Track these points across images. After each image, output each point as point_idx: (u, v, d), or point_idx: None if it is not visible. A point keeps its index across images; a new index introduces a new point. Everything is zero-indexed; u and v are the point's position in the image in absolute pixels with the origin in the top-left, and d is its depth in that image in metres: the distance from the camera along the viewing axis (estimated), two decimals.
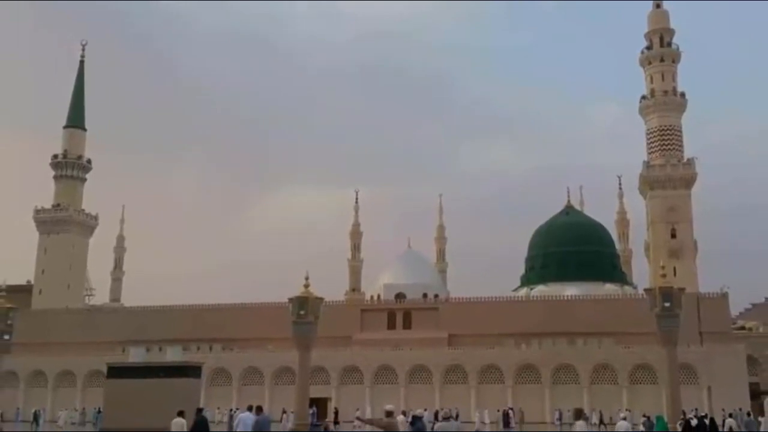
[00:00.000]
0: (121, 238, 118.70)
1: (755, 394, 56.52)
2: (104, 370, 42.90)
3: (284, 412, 46.92)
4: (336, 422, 49.49)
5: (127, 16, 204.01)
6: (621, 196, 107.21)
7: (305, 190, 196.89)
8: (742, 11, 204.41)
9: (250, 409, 22.74)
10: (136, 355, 41.77)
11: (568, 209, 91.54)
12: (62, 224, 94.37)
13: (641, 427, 36.70)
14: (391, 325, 72.91)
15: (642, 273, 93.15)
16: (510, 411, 55.39)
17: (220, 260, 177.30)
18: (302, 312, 35.66)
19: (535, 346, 66.01)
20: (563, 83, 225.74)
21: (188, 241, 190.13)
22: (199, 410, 24.05)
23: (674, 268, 74.30)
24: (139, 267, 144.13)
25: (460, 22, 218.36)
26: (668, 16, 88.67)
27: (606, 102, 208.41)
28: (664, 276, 33.39)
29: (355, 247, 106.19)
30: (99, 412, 50.35)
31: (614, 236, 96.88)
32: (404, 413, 33.99)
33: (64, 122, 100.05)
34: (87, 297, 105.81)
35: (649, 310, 32.45)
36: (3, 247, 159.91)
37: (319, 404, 54.90)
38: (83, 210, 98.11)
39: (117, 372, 39.36)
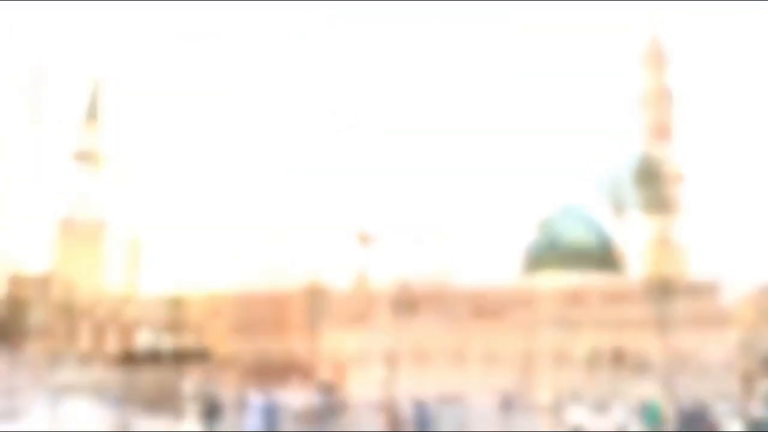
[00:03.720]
0: (136, 228, 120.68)
1: (745, 378, 57.90)
2: None
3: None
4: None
5: None
6: None
7: None
8: (732, 11, 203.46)
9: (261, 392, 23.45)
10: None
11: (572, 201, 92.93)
12: (81, 216, 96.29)
13: (636, 412, 37.85)
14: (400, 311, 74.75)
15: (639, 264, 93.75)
16: (512, 395, 57.19)
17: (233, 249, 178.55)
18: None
19: (538, 332, 67.71)
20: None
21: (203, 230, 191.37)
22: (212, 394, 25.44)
23: (669, 259, 75.70)
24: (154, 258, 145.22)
25: None
26: (662, 16, 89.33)
27: (602, 98, 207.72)
28: (660, 267, 35.13)
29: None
30: None
31: (613, 227, 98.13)
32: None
33: (84, 117, 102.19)
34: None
35: (646, 299, 34.12)
36: (23, 238, 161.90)
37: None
38: (101, 202, 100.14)
39: None
